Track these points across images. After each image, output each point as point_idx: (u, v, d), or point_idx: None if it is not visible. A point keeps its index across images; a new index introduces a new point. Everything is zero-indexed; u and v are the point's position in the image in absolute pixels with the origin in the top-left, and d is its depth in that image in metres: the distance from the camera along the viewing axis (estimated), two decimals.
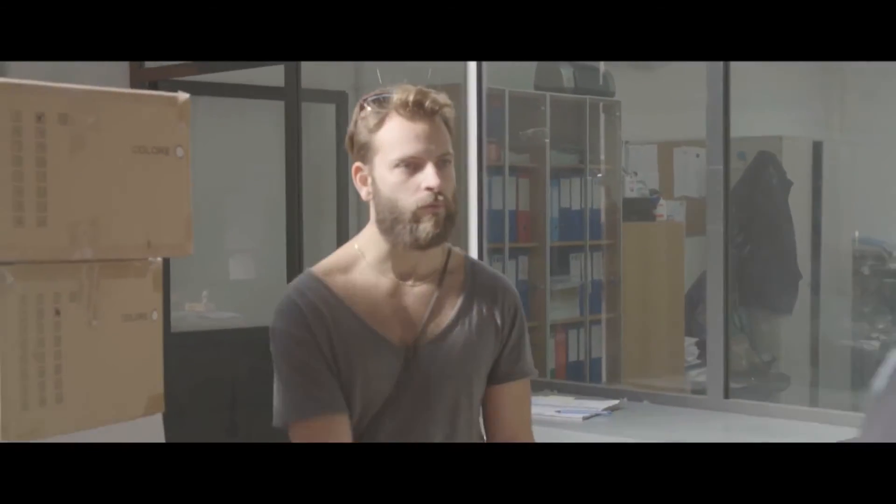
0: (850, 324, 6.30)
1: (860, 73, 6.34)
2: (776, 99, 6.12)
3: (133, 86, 3.88)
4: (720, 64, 2.92)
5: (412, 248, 1.84)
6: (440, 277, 1.93)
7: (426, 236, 1.82)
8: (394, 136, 1.83)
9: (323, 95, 4.46)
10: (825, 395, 5.85)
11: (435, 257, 1.92)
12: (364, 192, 1.90)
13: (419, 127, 1.83)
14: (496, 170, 4.77)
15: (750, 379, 5.62)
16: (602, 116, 5.35)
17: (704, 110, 6.07)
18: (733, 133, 6.21)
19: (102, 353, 1.58)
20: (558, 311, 5.18)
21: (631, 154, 5.69)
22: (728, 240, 2.79)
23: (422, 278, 1.92)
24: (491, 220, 4.23)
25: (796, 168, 6.06)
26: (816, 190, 6.25)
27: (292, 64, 3.52)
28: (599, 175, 5.35)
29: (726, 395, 2.91)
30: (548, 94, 5.03)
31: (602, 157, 5.37)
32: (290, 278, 3.65)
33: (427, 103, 1.84)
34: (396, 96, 1.84)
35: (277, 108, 4.00)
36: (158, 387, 1.69)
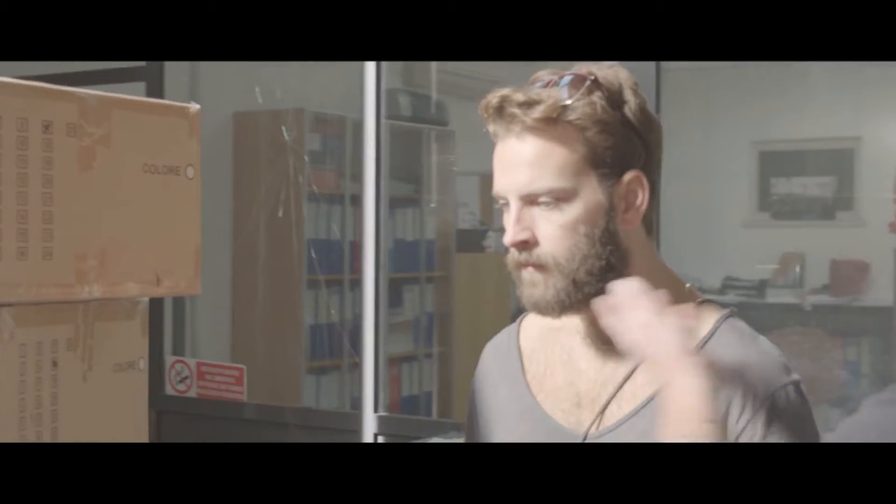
0: None
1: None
2: None
3: None
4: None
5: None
6: None
7: (525, 303, 1.31)
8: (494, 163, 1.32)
9: None
10: None
11: None
12: None
13: (507, 148, 1.28)
14: (336, 198, 4.62)
15: None
16: (435, 146, 5.26)
17: None
18: None
19: (94, 411, 1.31)
20: (391, 345, 5.02)
21: (458, 184, 5.64)
22: None
23: None
24: (330, 251, 4.02)
25: None
26: None
27: None
28: (433, 205, 5.26)
29: None
30: (387, 121, 4.87)
31: (434, 186, 5.28)
32: None
33: (510, 108, 1.24)
34: (482, 101, 1.29)
35: None
36: None
